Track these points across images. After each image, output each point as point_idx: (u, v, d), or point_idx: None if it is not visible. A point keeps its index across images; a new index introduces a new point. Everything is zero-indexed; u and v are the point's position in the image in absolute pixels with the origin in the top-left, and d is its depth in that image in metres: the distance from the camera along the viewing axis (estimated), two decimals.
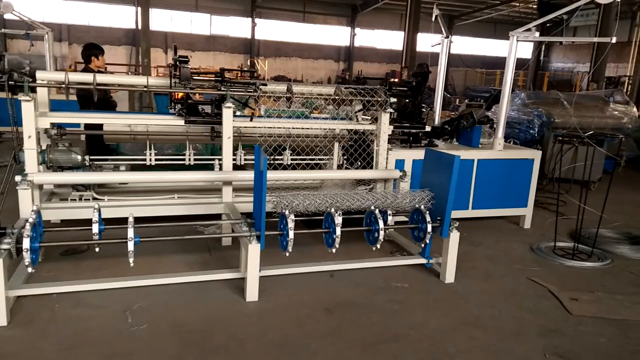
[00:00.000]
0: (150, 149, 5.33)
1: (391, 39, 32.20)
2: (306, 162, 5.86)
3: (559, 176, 7.61)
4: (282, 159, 5.83)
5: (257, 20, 30.13)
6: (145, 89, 4.49)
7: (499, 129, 5.98)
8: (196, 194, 5.19)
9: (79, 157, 4.59)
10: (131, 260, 3.53)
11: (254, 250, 3.84)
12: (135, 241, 3.57)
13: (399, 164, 5.54)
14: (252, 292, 3.90)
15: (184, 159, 5.45)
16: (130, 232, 3.50)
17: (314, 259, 4.64)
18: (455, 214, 5.87)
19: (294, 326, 3.61)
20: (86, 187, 4.81)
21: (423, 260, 4.71)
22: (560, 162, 7.49)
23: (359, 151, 5.62)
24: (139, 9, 27.79)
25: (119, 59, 27.56)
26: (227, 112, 4.78)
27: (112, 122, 4.76)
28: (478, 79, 34.43)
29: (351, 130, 5.79)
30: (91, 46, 6.68)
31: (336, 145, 5.88)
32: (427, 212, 4.33)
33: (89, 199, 4.71)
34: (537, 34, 5.55)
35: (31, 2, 26.14)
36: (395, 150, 5.56)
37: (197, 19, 29.43)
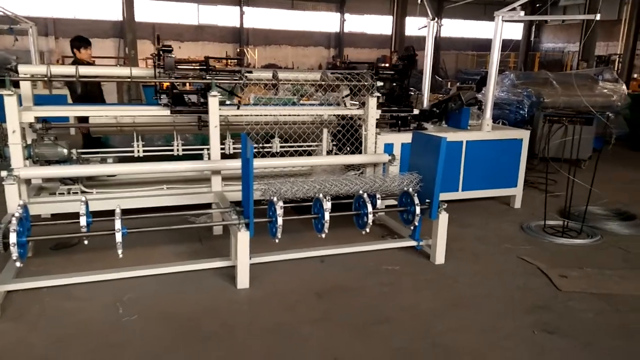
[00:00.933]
0: (138, 141, 5.31)
1: (381, 24, 31.97)
2: (294, 149, 5.85)
3: (548, 156, 7.63)
4: (271, 147, 5.82)
5: (245, 8, 29.83)
6: (129, 79, 4.44)
7: (487, 110, 5.98)
8: (186, 184, 5.17)
9: (65, 151, 4.56)
10: (120, 251, 3.52)
11: (243, 237, 3.84)
12: (123, 233, 3.56)
13: (388, 148, 5.54)
14: (242, 280, 3.92)
15: (172, 150, 5.43)
16: (118, 224, 3.49)
17: (305, 245, 4.65)
18: (445, 196, 5.93)
19: (284, 312, 3.62)
20: (74, 180, 4.78)
21: (413, 243, 4.73)
22: (548, 142, 7.49)
23: (347, 137, 5.62)
24: (125, 0, 27.58)
25: (107, 51, 27.23)
26: (213, 101, 4.74)
27: (96, 114, 4.72)
28: (469, 61, 34.38)
29: (339, 115, 5.78)
30: (76, 38, 6.64)
31: (325, 131, 5.86)
32: (415, 194, 4.34)
33: (77, 193, 4.68)
34: (522, 13, 5.52)
35: None
36: (384, 134, 5.56)
37: (185, 9, 29.11)
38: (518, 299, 3.95)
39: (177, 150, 5.47)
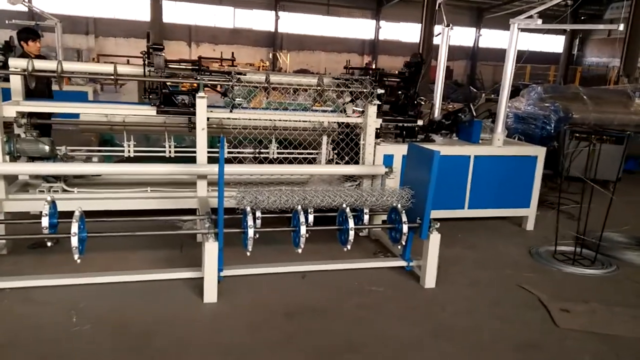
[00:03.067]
0: (129, 140, 5.19)
1: (417, 32, 31.45)
2: (293, 156, 5.60)
3: (567, 174, 7.12)
4: (267, 153, 5.60)
5: (280, 13, 29.91)
6: (112, 77, 4.29)
7: (498, 124, 5.57)
8: (175, 187, 4.99)
9: (47, 147, 4.45)
10: (76, 256, 3.35)
11: (211, 248, 3.61)
12: (82, 237, 3.39)
13: (388, 160, 5.22)
14: (210, 293, 3.68)
15: (164, 151, 5.28)
16: (75, 227, 3.31)
17: (290, 259, 4.36)
18: (450, 213, 5.60)
19: (246, 332, 3.37)
20: (57, 178, 4.67)
21: (403, 263, 4.40)
22: (570, 159, 6.98)
23: (349, 145, 5.34)
24: (163, 1, 28.11)
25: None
26: (201, 102, 4.56)
27: (82, 112, 4.60)
28: None
29: (342, 123, 5.50)
30: (23, 30, 6.59)
31: (324, 138, 5.59)
32: (403, 211, 4.01)
33: (57, 191, 4.56)
34: (540, 21, 5.11)
35: None
36: (384, 145, 5.24)
37: (221, 12, 29.43)
38: (508, 333, 3.56)
39: (169, 152, 5.33)
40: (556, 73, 28.33)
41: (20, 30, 6.59)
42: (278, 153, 5.68)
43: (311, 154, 5.68)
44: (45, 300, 3.55)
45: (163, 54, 4.71)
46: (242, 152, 5.57)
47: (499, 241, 5.48)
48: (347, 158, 5.48)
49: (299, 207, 3.83)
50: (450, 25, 6.17)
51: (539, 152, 5.72)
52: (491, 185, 5.63)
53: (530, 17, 5.10)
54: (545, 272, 4.72)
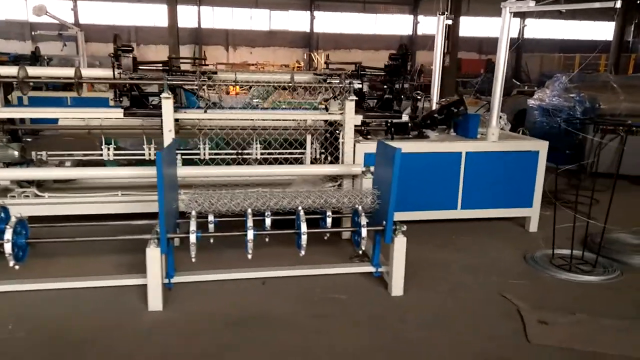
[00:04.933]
0: (109, 144, 5.18)
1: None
2: (275, 156, 5.42)
3: (591, 170, 6.54)
4: (249, 154, 5.44)
5: (315, 13, 29.84)
6: (77, 80, 4.24)
7: (493, 116, 5.15)
8: (150, 190, 4.91)
9: (16, 153, 4.48)
10: (12, 263, 3.29)
11: (152, 254, 3.48)
12: (20, 243, 3.34)
13: (369, 159, 4.92)
14: (154, 301, 3.55)
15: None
16: (8, 234, 3.25)
17: (259, 264, 4.13)
18: (441, 214, 5.25)
19: (182, 342, 3.20)
20: (30, 183, 4.70)
21: (372, 269, 4.10)
22: (595, 154, 6.41)
23: (334, 145, 5.10)
24: (201, 7, 28.71)
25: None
26: (166, 103, 4.45)
27: (47, 115, 4.61)
28: (555, 64, 31.77)
29: (326, 121, 5.26)
30: None
31: (308, 137, 5.36)
32: (363, 213, 3.74)
33: (28, 196, 4.58)
34: (532, 3, 4.66)
35: (101, 7, 27.76)
36: (364, 142, 4.95)
37: (257, 15, 29.68)
38: (471, 349, 3.22)
39: (149, 155, 5.27)
40: (607, 62, 26.63)
41: None
42: (262, 153, 5.53)
43: (294, 153, 5.47)
44: None
45: (131, 56, 4.65)
46: (219, 154, 5.46)
47: (495, 244, 5.06)
48: (330, 158, 5.25)
49: (249, 211, 3.63)
50: (446, 13, 5.79)
51: (541, 147, 5.24)
52: (486, 184, 5.22)
53: None
54: (536, 278, 4.29)
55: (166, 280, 3.74)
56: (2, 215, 3.60)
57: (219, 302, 3.71)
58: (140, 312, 3.53)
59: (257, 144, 5.46)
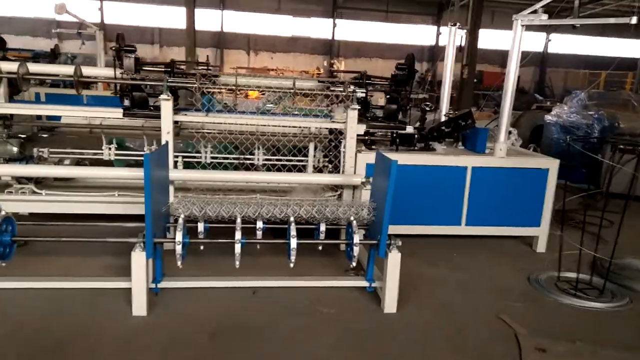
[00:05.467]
0: (110, 144, 5.18)
1: (481, 38, 30.18)
2: (279, 163, 5.34)
3: (605, 190, 6.29)
4: (252, 159, 5.39)
5: (337, 20, 29.80)
6: (73, 77, 4.22)
7: (501, 132, 4.98)
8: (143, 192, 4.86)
9: (15, 149, 4.47)
10: None
11: (137, 259, 3.41)
12: (5, 241, 3.30)
13: (370, 169, 4.80)
14: (138, 306, 3.47)
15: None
16: None
17: (254, 272, 4.06)
18: (444, 230, 5.11)
19: (159, 350, 3.12)
20: (29, 179, 4.69)
21: (365, 283, 3.97)
22: (610, 174, 6.18)
23: (333, 153, 5.01)
24: (224, 12, 28.96)
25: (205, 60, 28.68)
26: (165, 105, 4.39)
27: (48, 113, 4.61)
28: (580, 80, 31.18)
29: (331, 130, 5.16)
30: None
31: (311, 145, 5.27)
32: (356, 226, 3.61)
33: (24, 192, 4.57)
34: (545, 16, 4.50)
35: (127, 7, 28.19)
36: (365, 153, 4.83)
37: (279, 21, 29.79)
38: None
39: None
40: (634, 80, 26.01)
41: None
42: (266, 160, 5.47)
43: (301, 161, 5.38)
44: None
45: (133, 56, 4.62)
46: (224, 158, 5.41)
47: (499, 263, 4.88)
48: (330, 167, 5.15)
49: (238, 220, 3.54)
50: (457, 24, 5.65)
51: (551, 165, 5.05)
52: (492, 201, 5.04)
53: (535, 12, 4.50)
54: (538, 301, 4.11)
55: (153, 285, 3.67)
56: None
57: (204, 310, 3.61)
58: (124, 317, 3.45)
59: (259, 149, 5.41)
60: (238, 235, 3.44)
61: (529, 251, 5.27)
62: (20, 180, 4.69)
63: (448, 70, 5.89)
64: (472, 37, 14.18)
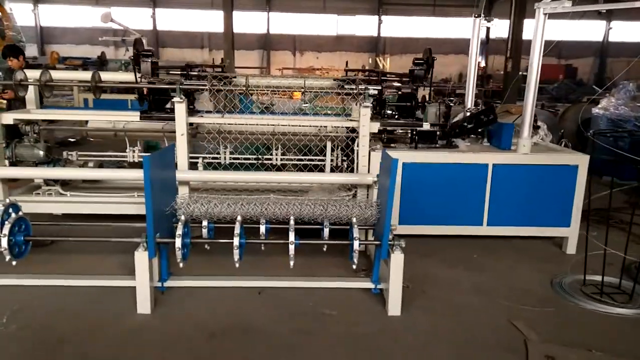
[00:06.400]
0: (134, 146, 5.36)
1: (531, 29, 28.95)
2: (296, 162, 5.36)
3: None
4: (270, 159, 5.42)
5: (383, 17, 29.51)
6: (90, 84, 4.39)
7: (524, 127, 4.72)
8: None
9: (41, 153, 4.71)
10: (7, 258, 3.42)
11: (140, 258, 3.49)
12: (19, 240, 3.48)
13: None
14: (143, 304, 3.56)
15: None
16: (5, 229, 3.38)
17: (263, 272, 4.11)
18: (464, 230, 4.95)
19: (158, 349, 3.17)
20: (56, 181, 4.93)
21: (370, 285, 3.88)
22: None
23: (345, 152, 4.95)
24: (270, 14, 29.34)
25: (253, 62, 29.23)
26: (179, 108, 4.48)
27: (65, 118, 4.82)
28: None
29: (348, 128, 5.10)
30: (8, 47, 7.05)
31: (328, 144, 5.23)
32: (356, 225, 3.54)
33: (51, 194, 4.80)
34: (569, 3, 4.22)
35: (180, 14, 29.14)
36: (379, 151, 4.71)
37: (324, 20, 29.85)
38: None
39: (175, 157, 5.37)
40: None
41: (6, 48, 7.17)
42: (286, 160, 5.49)
43: (321, 160, 5.36)
44: None
45: (150, 60, 4.75)
46: (248, 159, 5.47)
47: (522, 265, 4.64)
48: (345, 165, 5.09)
49: (238, 217, 3.55)
50: (482, 15, 5.41)
51: (580, 161, 4.74)
52: (516, 199, 4.81)
53: None
54: (558, 306, 3.87)
55: (159, 284, 3.76)
56: (11, 211, 3.76)
57: (206, 310, 3.65)
58: (129, 315, 3.55)
59: (276, 149, 5.43)
60: (237, 238, 3.44)
61: (558, 252, 4.99)
62: (47, 182, 4.93)
63: (473, 63, 5.67)
64: (517, 28, 13.53)
